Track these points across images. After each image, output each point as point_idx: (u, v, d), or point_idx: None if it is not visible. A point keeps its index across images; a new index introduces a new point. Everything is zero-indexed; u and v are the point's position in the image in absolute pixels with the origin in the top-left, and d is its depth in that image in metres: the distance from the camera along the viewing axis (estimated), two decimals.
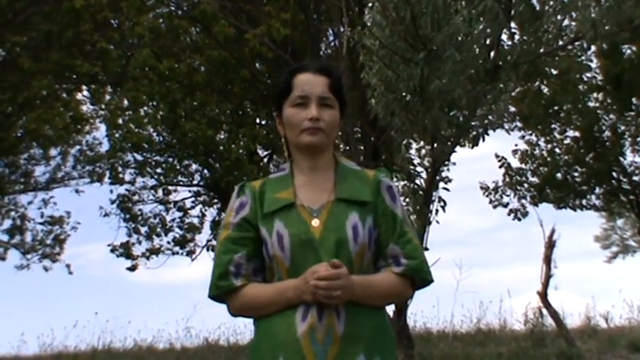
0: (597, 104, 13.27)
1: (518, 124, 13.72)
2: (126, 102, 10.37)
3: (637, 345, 8.86)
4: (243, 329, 11.69)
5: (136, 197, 12.40)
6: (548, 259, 9.28)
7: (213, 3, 8.83)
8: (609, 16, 6.49)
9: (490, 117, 7.56)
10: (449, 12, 6.26)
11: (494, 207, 14.02)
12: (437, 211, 8.58)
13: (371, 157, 9.47)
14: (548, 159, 13.69)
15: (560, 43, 8.62)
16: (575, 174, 13.67)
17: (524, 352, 8.73)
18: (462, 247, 27.08)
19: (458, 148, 8.52)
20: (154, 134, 11.13)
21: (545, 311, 9.53)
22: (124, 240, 11.99)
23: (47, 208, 14.67)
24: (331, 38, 11.05)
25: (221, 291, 1.82)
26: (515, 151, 13.87)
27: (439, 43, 6.20)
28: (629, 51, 12.16)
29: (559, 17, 7.54)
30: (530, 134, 13.87)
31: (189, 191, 12.75)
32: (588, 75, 12.63)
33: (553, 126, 13.56)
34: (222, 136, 10.78)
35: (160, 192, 12.62)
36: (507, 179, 13.81)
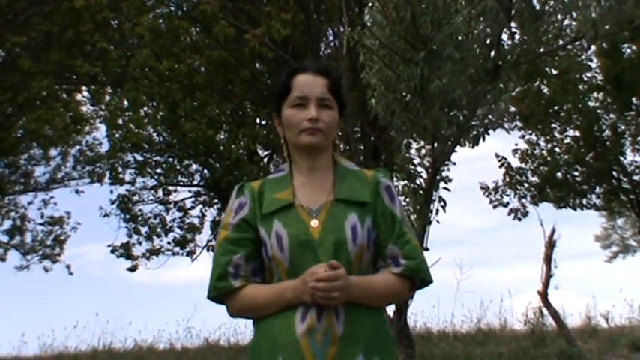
0: (597, 104, 13.26)
1: (519, 123, 13.71)
2: (126, 102, 10.35)
3: (637, 344, 8.84)
4: (243, 329, 11.72)
5: (136, 198, 12.41)
6: (548, 259, 9.27)
7: (213, 3, 8.83)
8: (609, 15, 6.48)
9: (490, 117, 7.55)
10: (449, 12, 6.26)
11: (495, 207, 14.03)
12: (437, 211, 8.59)
13: (371, 157, 9.46)
14: (548, 159, 13.68)
15: (561, 42, 8.63)
16: (576, 173, 13.66)
17: (525, 351, 8.72)
18: (463, 247, 27.09)
19: (458, 148, 8.53)
20: (154, 134, 11.14)
21: (545, 311, 9.52)
22: (124, 240, 12.02)
23: (47, 209, 14.72)
24: (331, 38, 11.04)
25: (220, 292, 1.82)
26: (515, 151, 13.87)
27: (439, 42, 6.19)
28: (629, 51, 12.15)
29: (559, 17, 7.56)
30: (531, 134, 13.86)
31: (190, 191, 12.80)
32: (588, 75, 12.63)
33: (553, 126, 13.55)
34: (222, 137, 10.79)
35: (160, 192, 12.64)
36: (507, 179, 13.80)
